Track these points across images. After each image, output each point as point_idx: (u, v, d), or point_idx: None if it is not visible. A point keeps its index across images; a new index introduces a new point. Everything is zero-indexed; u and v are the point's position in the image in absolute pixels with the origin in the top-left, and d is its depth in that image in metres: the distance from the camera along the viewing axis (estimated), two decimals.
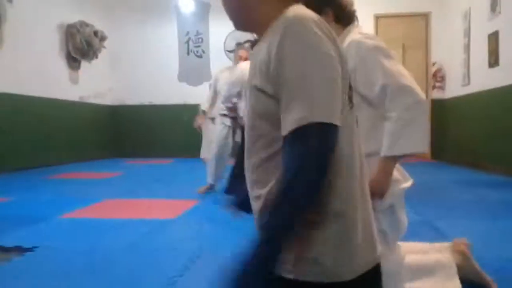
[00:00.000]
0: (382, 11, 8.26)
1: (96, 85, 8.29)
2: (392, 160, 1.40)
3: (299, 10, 0.85)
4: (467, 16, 6.90)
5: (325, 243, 0.82)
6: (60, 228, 2.81)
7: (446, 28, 7.88)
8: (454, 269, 1.61)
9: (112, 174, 5.86)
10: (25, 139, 6.24)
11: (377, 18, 8.38)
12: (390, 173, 1.41)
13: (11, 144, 5.95)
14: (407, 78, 1.44)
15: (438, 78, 8.22)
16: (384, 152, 1.40)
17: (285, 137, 0.78)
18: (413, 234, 2.60)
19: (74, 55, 7.40)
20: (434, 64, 8.24)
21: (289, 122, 0.77)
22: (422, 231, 2.69)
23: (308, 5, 1.46)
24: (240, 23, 0.98)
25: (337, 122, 0.77)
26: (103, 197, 3.90)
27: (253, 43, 1.11)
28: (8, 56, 5.93)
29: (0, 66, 5.80)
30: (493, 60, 5.90)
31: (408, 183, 1.69)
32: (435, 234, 2.59)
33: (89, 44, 7.44)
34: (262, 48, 0.86)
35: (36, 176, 5.55)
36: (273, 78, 0.81)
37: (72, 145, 7.45)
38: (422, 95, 1.44)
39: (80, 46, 7.39)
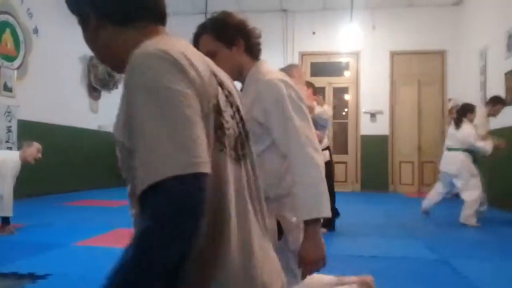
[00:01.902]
0: (398, 48, 8.36)
1: (115, 114, 8.44)
2: (314, 222, 1.29)
3: (148, 45, 0.74)
4: (483, 54, 6.93)
5: None
6: (73, 256, 2.83)
7: (462, 66, 7.91)
8: None
9: (126, 202, 5.89)
10: (44, 165, 6.34)
11: (393, 54, 8.46)
12: (318, 236, 1.31)
13: (30, 170, 6.06)
14: (309, 140, 1.33)
15: (454, 114, 8.17)
16: (302, 217, 1.31)
17: (139, 198, 0.64)
18: (428, 273, 2.55)
19: (95, 85, 7.61)
20: (450, 100, 8.22)
21: (137, 183, 0.64)
22: (437, 270, 2.63)
23: (220, 35, 1.43)
24: (114, 66, 0.91)
25: (202, 169, 0.64)
26: (116, 225, 3.92)
27: None
28: (32, 85, 6.13)
29: (24, 94, 5.99)
30: (510, 98, 5.87)
31: None
32: (451, 274, 2.52)
33: (110, 75, 7.66)
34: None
35: (52, 202, 5.62)
36: (128, 131, 0.71)
37: (89, 172, 7.55)
38: (319, 159, 1.32)
39: (101, 77, 7.61)
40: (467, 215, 4.40)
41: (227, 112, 0.81)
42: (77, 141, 7.20)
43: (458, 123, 4.78)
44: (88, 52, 6.05)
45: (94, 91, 7.71)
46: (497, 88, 6.26)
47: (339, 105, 9.11)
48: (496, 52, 6.42)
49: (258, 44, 1.55)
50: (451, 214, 5.25)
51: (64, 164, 6.82)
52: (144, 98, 0.67)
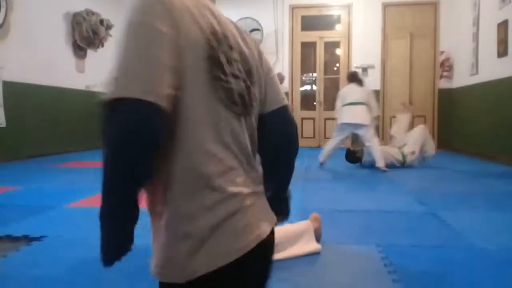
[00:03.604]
0: None
1: (102, 74, 8.29)
2: None
3: None
4: (476, 5, 6.80)
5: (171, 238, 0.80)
6: (67, 217, 2.84)
7: (455, 17, 7.77)
8: (313, 232, 2.08)
9: None
10: (32, 128, 6.28)
11: (385, 6, 8.28)
12: None
13: (18, 133, 6.00)
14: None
15: (446, 67, 8.13)
16: None
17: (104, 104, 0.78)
18: (417, 225, 2.61)
19: (80, 44, 7.40)
20: (442, 53, 8.15)
21: (109, 93, 0.76)
22: (426, 222, 2.69)
23: None
24: None
25: (149, 98, 0.72)
26: None
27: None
28: (14, 45, 5.94)
29: (7, 55, 5.81)
30: (502, 49, 5.83)
31: None
32: (440, 226, 2.59)
33: (95, 32, 7.43)
34: None
35: (44, 165, 5.60)
36: None
37: (79, 133, 7.49)
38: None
39: (86, 34, 7.38)
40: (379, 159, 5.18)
41: (231, 67, 0.85)
42: (64, 102, 7.08)
43: (361, 82, 5.55)
44: (71, 8, 5.84)
45: (79, 50, 7.50)
46: (490, 39, 6.20)
47: (331, 60, 9.01)
48: (489, 2, 6.30)
49: None
50: (441, 169, 5.34)
51: (52, 126, 6.75)
52: (129, 32, 0.77)
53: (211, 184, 0.79)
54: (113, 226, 0.83)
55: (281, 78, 6.79)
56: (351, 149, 5.76)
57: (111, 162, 0.78)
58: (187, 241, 0.78)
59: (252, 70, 0.92)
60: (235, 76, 0.85)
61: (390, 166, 5.32)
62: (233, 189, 0.81)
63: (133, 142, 0.74)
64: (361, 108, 5.29)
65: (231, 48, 0.87)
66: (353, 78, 5.63)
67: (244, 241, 0.81)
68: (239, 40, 0.91)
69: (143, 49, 0.75)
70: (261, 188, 0.92)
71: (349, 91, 5.50)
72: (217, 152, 0.80)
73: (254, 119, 0.92)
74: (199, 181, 0.78)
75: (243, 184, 0.84)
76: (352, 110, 5.30)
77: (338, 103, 5.58)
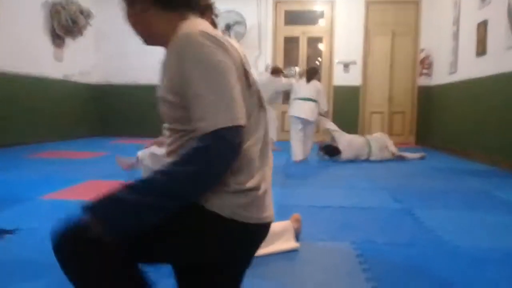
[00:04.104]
0: None
1: (80, 63, 8.14)
2: None
3: (191, 26, 1.01)
4: (457, 4, 6.90)
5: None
6: (42, 209, 2.79)
7: (436, 16, 7.88)
8: (293, 232, 2.12)
9: (96, 154, 5.81)
10: (7, 116, 6.14)
11: (368, 3, 8.33)
12: None
13: None
14: None
15: (426, 65, 8.25)
16: None
17: (199, 137, 0.94)
18: (392, 222, 2.66)
19: (58, 32, 7.24)
20: (422, 51, 8.26)
21: (202, 129, 0.94)
22: (401, 219, 2.74)
23: (194, 11, 1.62)
24: (149, 41, 1.14)
25: (240, 122, 0.95)
26: (86, 178, 3.88)
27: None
28: None
29: None
30: (481, 49, 5.93)
31: None
32: (414, 223, 2.64)
33: (74, 21, 7.27)
34: (167, 63, 1.03)
35: (18, 154, 5.48)
36: (182, 93, 0.98)
37: (56, 123, 7.35)
38: None
39: (65, 23, 7.22)
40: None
41: (252, 74, 1.10)
42: (41, 91, 6.94)
43: (309, 79, 5.78)
44: None
45: (57, 39, 7.34)
46: (469, 39, 6.31)
47: (313, 55, 9.03)
48: (469, 2, 6.40)
49: (216, 20, 1.85)
50: (417, 166, 5.44)
51: (28, 115, 6.60)
52: (201, 70, 0.95)
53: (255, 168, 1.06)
54: (148, 216, 0.91)
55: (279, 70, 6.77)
56: (329, 143, 5.84)
57: (201, 175, 0.93)
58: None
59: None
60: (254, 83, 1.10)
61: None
62: (266, 173, 1.11)
63: (232, 158, 0.96)
64: (309, 105, 5.63)
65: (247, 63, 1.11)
66: (308, 73, 5.89)
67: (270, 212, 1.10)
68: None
69: (225, 84, 0.95)
70: None
71: (301, 87, 5.79)
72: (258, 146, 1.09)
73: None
74: (253, 166, 1.05)
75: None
76: (301, 105, 5.66)
77: (291, 96, 5.89)
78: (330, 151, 5.74)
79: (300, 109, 5.64)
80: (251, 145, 1.04)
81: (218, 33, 1.03)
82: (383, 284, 1.71)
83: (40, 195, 3.13)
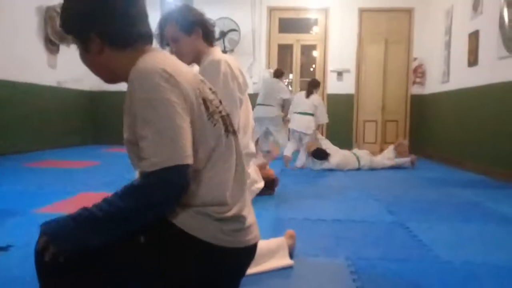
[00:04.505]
0: (367, 4, 8.28)
1: (74, 70, 8.10)
2: None
3: (146, 62, 1.02)
4: (449, 14, 6.98)
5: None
6: (35, 224, 2.75)
7: (429, 25, 7.96)
8: (287, 249, 2.09)
9: (90, 163, 5.78)
10: (1, 124, 6.09)
11: (362, 11, 8.39)
12: None
13: None
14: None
15: (419, 74, 8.32)
16: None
17: (141, 176, 0.97)
18: (386, 236, 2.67)
19: (52, 39, 7.21)
20: (415, 59, 8.33)
21: (144, 167, 0.96)
22: (394, 233, 2.76)
23: (180, 25, 1.88)
24: (110, 80, 1.17)
25: (183, 161, 0.95)
26: (80, 189, 3.85)
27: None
28: None
29: None
30: (473, 59, 6.00)
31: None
32: (407, 237, 2.65)
33: None
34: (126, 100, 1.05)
35: (11, 163, 5.44)
36: (135, 131, 1.00)
37: (49, 131, 7.31)
38: None
39: (59, 29, 7.19)
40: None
41: (215, 100, 1.12)
42: (35, 98, 6.89)
43: (308, 94, 6.18)
44: (44, 3, 5.69)
45: (51, 45, 7.31)
46: (461, 49, 6.37)
47: (307, 62, 9.08)
48: (461, 12, 6.48)
49: (213, 32, 2.00)
50: (410, 175, 5.47)
51: (21, 123, 6.56)
52: (144, 110, 0.97)
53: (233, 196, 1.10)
54: (97, 236, 0.97)
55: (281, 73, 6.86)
56: (319, 148, 5.98)
57: (154, 205, 0.97)
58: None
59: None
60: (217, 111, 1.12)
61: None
62: (245, 198, 1.16)
63: (176, 195, 0.98)
64: (307, 119, 6.07)
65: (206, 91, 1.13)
66: (309, 86, 6.31)
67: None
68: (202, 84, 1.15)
69: (168, 122, 0.96)
70: None
71: (299, 101, 6.20)
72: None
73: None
74: (228, 194, 1.09)
75: None
76: (300, 119, 6.10)
77: (291, 109, 6.28)
78: (319, 154, 5.85)
79: (299, 123, 6.06)
80: (224, 172, 1.07)
81: (170, 64, 1.04)
82: None
83: (33, 209, 3.11)
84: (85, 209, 0.99)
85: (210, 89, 1.15)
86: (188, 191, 1.01)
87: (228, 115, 1.15)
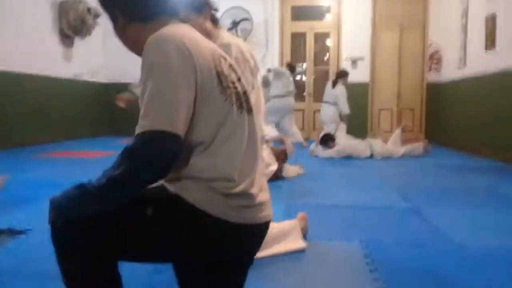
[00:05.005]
0: None
1: (89, 62, 8.20)
2: None
3: (163, 31, 1.05)
4: None
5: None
6: None
7: (444, 8, 7.79)
8: (300, 231, 2.11)
9: (105, 154, 5.86)
10: (18, 116, 6.21)
11: None
12: None
13: (3, 122, 5.93)
14: None
15: (435, 60, 8.17)
16: None
17: (136, 135, 0.99)
18: (400, 222, 2.66)
19: (67, 32, 7.29)
20: (430, 45, 8.18)
21: (137, 127, 0.98)
22: (409, 218, 2.74)
23: (189, 7, 1.89)
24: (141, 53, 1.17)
25: (173, 130, 0.96)
26: (94, 178, 3.91)
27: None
28: (0, 33, 5.84)
29: None
30: (490, 43, 5.87)
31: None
32: (422, 222, 2.63)
33: (82, 20, 7.32)
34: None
35: (29, 154, 5.55)
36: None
37: (65, 122, 7.42)
38: None
39: (73, 23, 7.27)
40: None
41: (231, 76, 1.12)
42: (51, 91, 7.00)
43: (334, 84, 6.62)
44: None
45: (66, 38, 7.39)
46: (478, 32, 6.24)
47: (320, 51, 9.01)
48: None
49: (216, 15, 2.06)
50: (426, 163, 5.41)
51: (38, 115, 6.67)
52: (148, 72, 1.00)
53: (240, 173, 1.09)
54: (91, 205, 1.01)
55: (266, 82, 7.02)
56: (328, 133, 6.03)
57: (138, 169, 0.97)
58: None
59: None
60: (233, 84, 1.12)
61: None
62: (255, 177, 1.14)
63: (161, 160, 0.97)
64: (327, 108, 6.65)
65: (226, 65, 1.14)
66: (336, 76, 6.77)
67: None
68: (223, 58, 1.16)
69: (164, 90, 0.98)
70: None
71: (326, 91, 6.76)
72: None
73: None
74: (235, 170, 1.08)
75: None
76: (323, 108, 6.74)
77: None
78: (324, 139, 5.82)
79: (321, 111, 6.76)
80: (232, 148, 1.06)
81: (189, 36, 1.06)
82: (390, 284, 1.72)
83: (51, 196, 3.16)
84: (89, 181, 1.03)
85: (231, 65, 1.15)
86: (194, 164, 1.03)
87: (245, 92, 1.14)
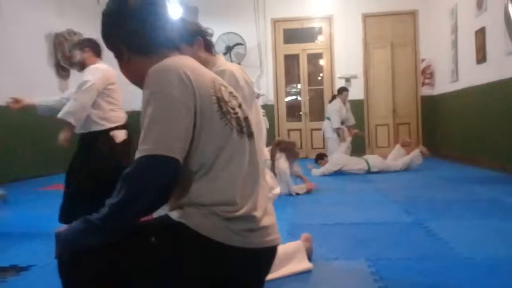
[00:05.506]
0: (369, 10, 8.31)
1: None
2: None
3: (165, 62, 1.08)
4: (454, 13, 6.96)
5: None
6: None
7: (434, 25, 7.94)
8: (305, 252, 2.09)
9: None
10: (14, 150, 6.21)
11: (365, 17, 8.41)
12: None
13: (3, 156, 5.92)
14: None
15: (427, 75, 8.28)
16: None
17: (135, 160, 1.00)
18: (405, 236, 2.64)
19: (63, 64, 7.36)
20: (423, 61, 8.30)
21: (137, 152, 1.00)
22: (414, 233, 2.72)
23: (183, 35, 1.77)
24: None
25: (171, 154, 0.97)
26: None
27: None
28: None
29: None
30: (481, 56, 5.96)
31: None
32: (427, 236, 2.62)
33: None
34: None
35: (29, 188, 5.52)
36: None
37: (63, 154, 7.38)
38: None
39: (69, 54, 7.35)
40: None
41: (231, 102, 1.14)
42: (48, 123, 6.99)
43: (331, 100, 7.05)
44: (53, 29, 5.77)
45: (62, 70, 7.46)
46: (468, 46, 6.34)
47: (314, 71, 9.10)
48: (466, 10, 6.46)
49: (211, 40, 2.04)
50: (426, 176, 5.41)
51: (36, 147, 6.66)
52: (148, 101, 1.02)
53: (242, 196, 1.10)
54: (101, 235, 0.99)
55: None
56: (320, 153, 6.54)
57: (137, 193, 0.97)
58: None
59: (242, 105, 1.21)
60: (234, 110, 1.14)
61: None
62: (258, 200, 1.14)
63: (159, 184, 0.98)
64: (325, 122, 7.03)
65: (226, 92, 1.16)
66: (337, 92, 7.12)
67: None
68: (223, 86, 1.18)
69: (163, 116, 1.00)
70: None
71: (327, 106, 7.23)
72: None
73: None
74: (236, 194, 1.09)
75: None
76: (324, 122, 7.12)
77: None
78: (317, 158, 6.35)
79: (322, 126, 7.16)
80: (233, 172, 1.07)
81: (190, 65, 1.10)
82: None
83: (54, 230, 3.14)
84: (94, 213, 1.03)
85: (231, 93, 1.18)
86: (195, 189, 1.04)
87: (246, 118, 1.16)
